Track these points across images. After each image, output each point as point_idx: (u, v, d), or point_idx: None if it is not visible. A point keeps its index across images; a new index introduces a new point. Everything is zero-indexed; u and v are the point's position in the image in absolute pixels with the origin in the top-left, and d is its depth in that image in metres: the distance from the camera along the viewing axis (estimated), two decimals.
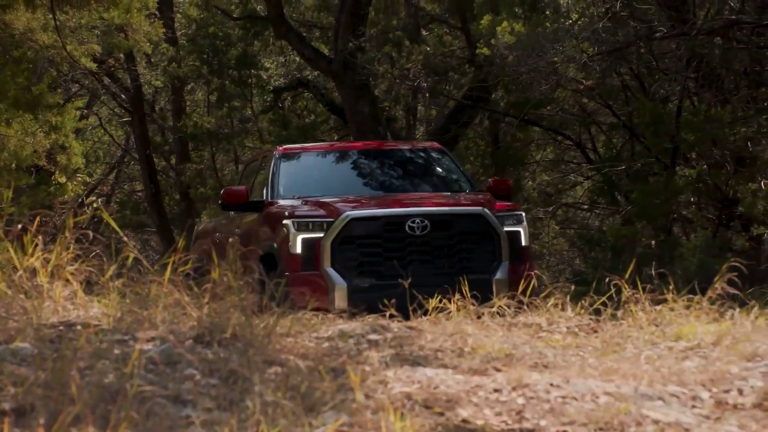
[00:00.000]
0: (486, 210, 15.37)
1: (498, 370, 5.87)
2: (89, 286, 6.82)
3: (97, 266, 6.94)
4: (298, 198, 16.48)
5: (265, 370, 5.14)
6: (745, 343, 6.54)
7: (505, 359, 6.13)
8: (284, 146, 19.07)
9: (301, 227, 15.18)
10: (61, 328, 5.92)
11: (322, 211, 15.46)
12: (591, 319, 7.30)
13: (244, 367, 5.15)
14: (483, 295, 11.34)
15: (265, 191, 17.52)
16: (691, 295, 7.60)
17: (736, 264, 7.91)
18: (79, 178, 25.00)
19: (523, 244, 15.65)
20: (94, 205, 14.85)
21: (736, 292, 7.56)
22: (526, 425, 5.23)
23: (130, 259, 6.79)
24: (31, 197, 20.33)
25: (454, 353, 6.20)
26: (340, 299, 14.69)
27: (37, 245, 6.77)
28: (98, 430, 4.45)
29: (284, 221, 15.38)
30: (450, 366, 5.88)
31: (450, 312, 7.51)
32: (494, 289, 14.34)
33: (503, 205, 16.02)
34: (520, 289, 11.33)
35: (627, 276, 7.85)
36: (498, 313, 7.47)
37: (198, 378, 5.18)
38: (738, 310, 7.35)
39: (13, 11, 19.19)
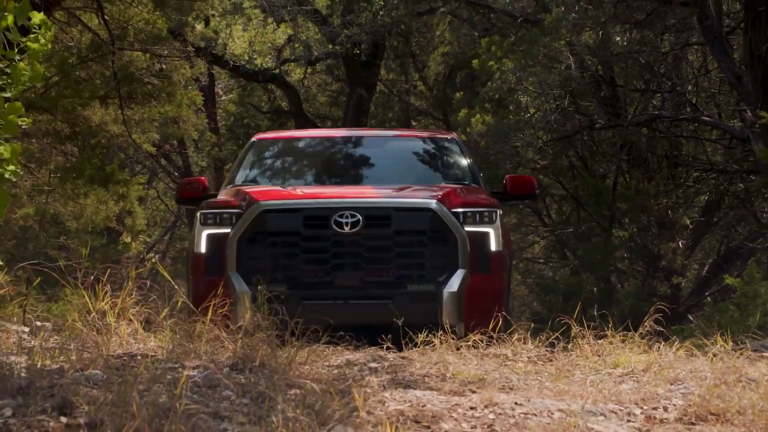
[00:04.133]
0: (439, 203, 10.32)
1: (473, 392, 5.81)
2: (147, 324, 6.79)
3: (154, 309, 6.92)
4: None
5: (287, 392, 5.10)
6: (669, 369, 6.51)
7: (478, 383, 6.07)
8: (263, 134, 14.18)
9: (207, 221, 10.47)
10: (125, 358, 5.88)
11: (233, 201, 10.80)
12: (547, 350, 7.23)
13: (270, 390, 5.12)
14: (428, 312, 9.84)
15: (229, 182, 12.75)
16: (625, 332, 7.57)
17: (661, 306, 7.86)
18: (141, 239, 24.92)
19: (493, 249, 10.38)
20: (152, 260, 14.84)
21: (660, 329, 7.51)
22: None
23: (180, 303, 6.77)
24: (103, 254, 20.23)
25: (438, 378, 6.15)
26: (241, 310, 9.59)
27: (106, 292, 6.74)
28: None
29: (196, 214, 10.82)
30: (435, 388, 5.82)
31: (434, 345, 7.41)
32: (443, 305, 9.94)
33: (469, 200, 10.79)
34: (481, 314, 9.68)
35: (575, 316, 7.79)
36: (473, 345, 7.41)
37: (233, 398, 5.15)
38: (663, 343, 7.30)
39: (91, 108, 19.20)
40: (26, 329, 6.99)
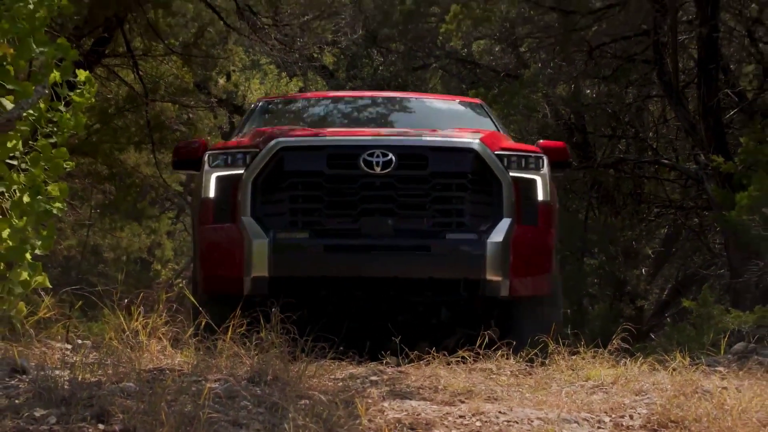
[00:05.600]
0: (482, 144, 8.20)
1: (462, 402, 5.78)
2: (175, 342, 6.76)
3: (181, 328, 6.91)
4: None
5: (297, 402, 5.08)
6: (634, 382, 6.49)
7: (467, 394, 6.03)
8: (268, 96, 11.08)
9: (217, 162, 8.30)
10: (155, 372, 5.86)
11: (246, 140, 8.62)
12: (527, 365, 7.20)
13: (283, 400, 5.10)
14: (470, 265, 7.95)
15: None
16: (596, 349, 7.54)
17: (627, 327, 7.83)
18: (170, 267, 24.88)
19: (540, 198, 8.30)
20: (180, 285, 14.90)
21: (627, 346, 7.49)
22: None
23: (203, 324, 6.76)
24: (136, 280, 20.19)
25: (431, 390, 6.11)
26: (258, 260, 7.84)
27: (139, 313, 6.73)
28: None
29: (203, 157, 8.57)
30: (428, 399, 5.79)
31: (426, 359, 7.39)
32: (486, 257, 7.89)
33: (513, 145, 8.70)
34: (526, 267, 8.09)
35: (551, 335, 7.77)
36: (462, 360, 7.38)
37: (250, 408, 5.12)
38: (629, 359, 7.28)
39: (127, 152, 19.29)
40: (69, 347, 6.97)
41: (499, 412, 5.47)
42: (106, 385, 5.42)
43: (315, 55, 20.54)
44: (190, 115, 19.23)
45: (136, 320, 6.61)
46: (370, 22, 24.00)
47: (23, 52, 6.47)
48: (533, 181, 8.31)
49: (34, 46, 6.45)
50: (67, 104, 7.01)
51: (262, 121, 10.23)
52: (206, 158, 8.42)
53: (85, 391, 5.23)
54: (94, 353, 6.47)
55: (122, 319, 6.67)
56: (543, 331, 7.85)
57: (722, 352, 8.24)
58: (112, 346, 6.46)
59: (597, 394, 6.21)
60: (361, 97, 11.22)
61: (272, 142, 8.17)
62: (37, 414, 4.87)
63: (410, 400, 5.64)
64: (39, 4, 6.44)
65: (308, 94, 12.19)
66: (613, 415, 5.66)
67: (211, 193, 8.27)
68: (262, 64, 21.38)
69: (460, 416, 5.41)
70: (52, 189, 6.87)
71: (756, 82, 18.16)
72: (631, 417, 5.65)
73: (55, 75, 6.74)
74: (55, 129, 6.94)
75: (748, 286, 13.93)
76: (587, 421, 5.48)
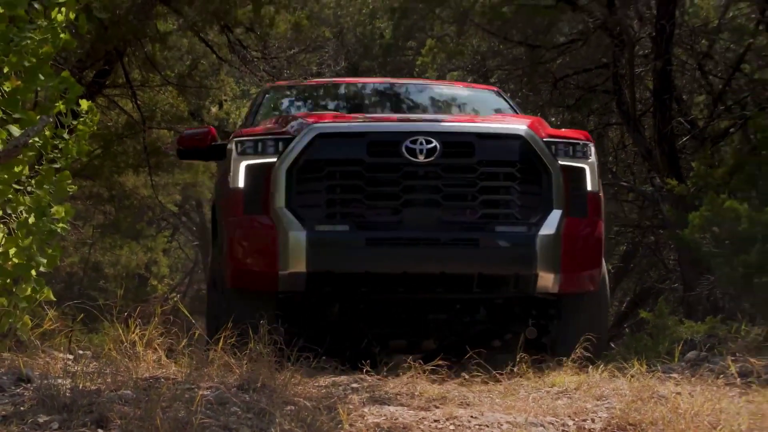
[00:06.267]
0: (529, 131, 7.21)
1: (437, 407, 5.76)
2: (170, 352, 6.74)
3: (175, 339, 6.89)
4: None
5: (284, 408, 5.06)
6: (596, 388, 6.48)
7: (441, 400, 6.01)
8: (276, 82, 10.51)
9: (247, 150, 7.20)
10: (151, 380, 5.84)
11: (277, 127, 7.48)
12: (497, 373, 7.19)
13: (270, 406, 5.08)
14: (520, 259, 7.05)
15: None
16: (561, 357, 7.54)
17: (588, 337, 7.82)
18: (166, 282, 24.87)
19: (590, 188, 7.31)
20: (174, 299, 14.83)
21: (589, 355, 7.49)
22: None
23: (197, 335, 6.74)
24: (134, 294, 20.15)
25: (408, 396, 6.08)
26: (294, 255, 6.88)
27: (137, 326, 6.72)
28: None
29: (228, 145, 7.57)
30: (405, 404, 5.76)
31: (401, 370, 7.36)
32: (538, 251, 6.97)
33: (564, 132, 7.64)
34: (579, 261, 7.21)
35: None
36: (437, 368, 7.34)
37: (239, 413, 5.10)
38: (591, 367, 7.27)
39: (126, 175, 19.29)
40: (71, 357, 6.95)
41: (471, 416, 5.46)
42: (105, 393, 5.41)
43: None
44: None
45: (134, 332, 6.60)
46: (351, 54, 24.01)
47: (30, 84, 6.50)
48: (582, 170, 7.31)
49: (41, 78, 6.47)
50: (70, 131, 7.02)
51: (274, 108, 9.13)
52: (233, 145, 7.29)
53: (86, 398, 5.22)
54: (94, 363, 6.45)
55: (120, 331, 6.66)
56: (593, 330, 7.19)
57: (676, 359, 8.23)
58: (111, 356, 6.45)
59: (561, 399, 6.20)
60: (375, 83, 9.97)
61: (307, 129, 7.10)
62: (40, 420, 4.86)
63: (389, 405, 5.62)
64: (44, 40, 6.47)
65: (319, 81, 10.90)
66: (576, 419, 5.65)
67: (241, 183, 7.16)
68: (252, 94, 21.34)
69: (435, 421, 5.40)
70: (57, 211, 6.87)
71: (706, 111, 18.22)
72: (593, 420, 5.64)
73: (60, 105, 6.76)
74: (59, 155, 6.94)
75: (700, 299, 13.94)
76: (552, 424, 5.47)
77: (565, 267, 7.07)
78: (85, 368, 6.12)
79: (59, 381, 5.71)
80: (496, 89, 9.66)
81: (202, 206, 25.57)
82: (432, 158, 7.02)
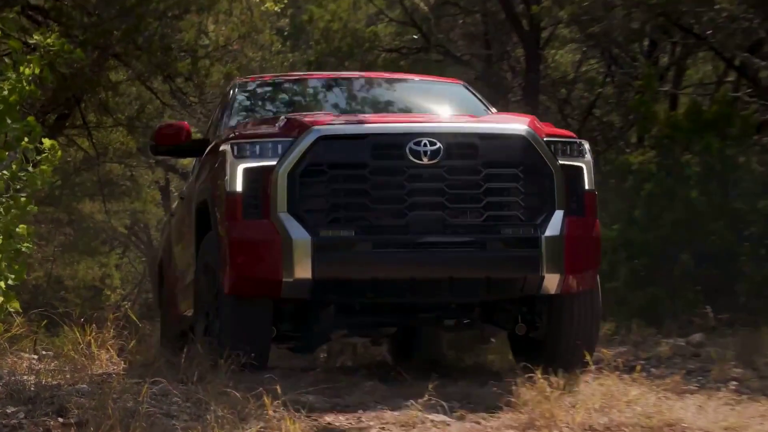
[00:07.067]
0: (532, 131, 6.12)
1: (360, 403, 5.72)
2: (121, 352, 6.66)
3: (125, 341, 6.81)
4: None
5: (218, 398, 5.00)
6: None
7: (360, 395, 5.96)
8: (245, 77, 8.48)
9: (244, 152, 5.98)
10: (104, 376, 5.79)
11: (275, 129, 6.20)
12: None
13: (206, 397, 5.03)
14: (527, 262, 5.98)
15: (216, 129, 7.62)
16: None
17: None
18: (118, 292, 24.55)
19: (586, 187, 6.28)
20: (126, 307, 14.65)
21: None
22: None
23: (143, 337, 6.68)
24: (90, 303, 19.85)
25: (323, 382, 5.95)
26: (299, 261, 5.74)
27: (92, 330, 6.64)
28: (123, 431, 4.33)
29: (221, 147, 6.24)
30: (320, 393, 5.70)
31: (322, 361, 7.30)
32: (544, 252, 5.95)
33: (556, 130, 6.53)
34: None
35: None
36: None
37: (180, 403, 5.05)
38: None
39: (83, 203, 19.10)
40: (35, 357, 6.84)
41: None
42: (65, 387, 5.34)
43: None
44: (133, 173, 19.24)
45: (89, 335, 6.51)
46: None
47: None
48: (580, 169, 6.25)
49: (9, 122, 6.43)
50: (34, 165, 6.94)
51: (251, 106, 7.69)
52: (229, 147, 6.04)
53: (48, 391, 5.15)
54: (55, 362, 6.36)
55: (78, 334, 6.58)
56: (588, 327, 6.43)
57: None
58: (70, 355, 6.36)
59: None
60: (349, 77, 8.39)
61: (309, 131, 5.89)
62: (8, 411, 4.79)
63: (308, 395, 5.56)
64: (12, 90, 6.44)
65: (289, 75, 9.14)
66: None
67: (238, 187, 5.91)
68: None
69: (346, 406, 5.37)
70: (22, 230, 6.77)
71: None
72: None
73: (25, 143, 6.69)
74: (26, 186, 6.86)
75: None
76: None
77: (569, 268, 6.06)
78: (47, 366, 6.05)
79: (25, 377, 5.64)
80: (462, 83, 8.36)
81: (148, 228, 25.27)
82: (436, 160, 5.89)
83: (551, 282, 6.02)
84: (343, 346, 9.62)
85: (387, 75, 8.69)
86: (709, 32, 13.17)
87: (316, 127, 5.93)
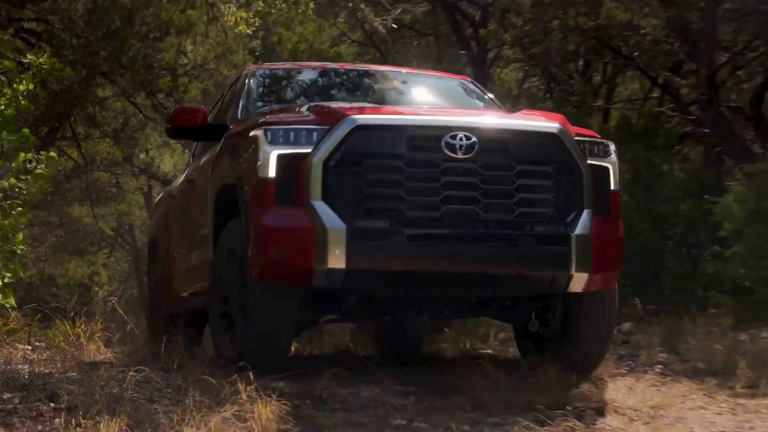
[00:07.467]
0: (564, 129, 5.57)
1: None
2: (108, 343, 6.63)
3: (112, 333, 6.78)
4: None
5: (196, 384, 4.99)
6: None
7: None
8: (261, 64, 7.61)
9: (278, 139, 5.38)
10: (92, 365, 5.76)
11: (311, 116, 5.61)
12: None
13: (185, 383, 5.02)
14: (557, 259, 5.44)
15: (229, 113, 6.94)
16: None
17: None
18: (105, 288, 24.37)
19: (612, 187, 5.75)
20: (112, 302, 14.59)
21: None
22: None
23: (128, 329, 6.64)
24: (80, 299, 19.75)
25: (296, 369, 5.93)
26: (335, 250, 5.16)
27: (81, 323, 6.60)
28: (109, 415, 4.29)
29: (251, 132, 5.60)
30: (292, 379, 5.68)
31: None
32: (573, 251, 5.41)
33: (583, 130, 5.96)
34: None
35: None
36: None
37: (161, 389, 5.04)
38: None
39: (72, 207, 18.97)
40: (29, 348, 6.79)
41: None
42: (56, 375, 5.32)
43: None
44: (119, 181, 19.19)
45: (79, 327, 6.48)
46: None
47: None
48: (606, 169, 5.70)
49: (5, 134, 6.40)
50: (28, 173, 6.91)
51: (263, 94, 6.97)
52: (261, 133, 5.41)
53: (41, 379, 5.14)
54: (48, 352, 6.33)
55: (68, 327, 6.55)
56: (606, 325, 5.95)
57: (491, 339, 8.36)
58: (61, 346, 6.33)
59: None
60: (361, 69, 7.66)
61: (346, 120, 5.31)
62: (5, 397, 4.77)
63: (279, 381, 5.53)
64: (8, 105, 6.42)
65: (301, 64, 8.42)
66: None
67: (271, 173, 5.31)
68: (171, 144, 21.12)
69: (313, 391, 5.35)
70: (19, 234, 6.76)
71: None
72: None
73: (22, 156, 6.67)
74: (23, 193, 6.84)
75: None
76: None
77: (596, 267, 5.52)
78: (40, 356, 6.02)
79: (20, 366, 5.62)
80: (469, 79, 7.77)
81: (133, 229, 25.07)
82: (471, 154, 5.32)
83: (579, 281, 5.49)
84: (311, 335, 9.58)
85: (399, 69, 8.02)
86: (636, 54, 13.37)
87: (352, 116, 5.35)
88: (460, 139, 5.31)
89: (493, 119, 5.69)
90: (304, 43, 16.68)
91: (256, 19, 13.34)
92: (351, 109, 5.55)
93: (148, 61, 12.35)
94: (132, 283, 29.28)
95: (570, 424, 4.70)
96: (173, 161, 20.76)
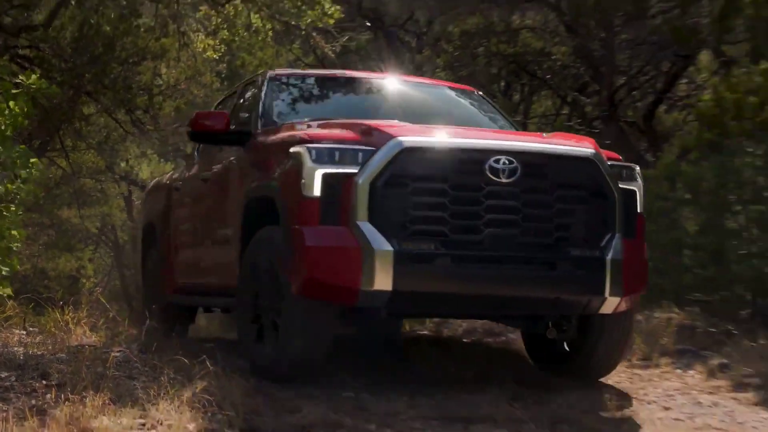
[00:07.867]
0: (598, 154, 4.94)
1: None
2: (93, 329, 6.60)
3: (96, 319, 6.75)
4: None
5: (171, 364, 4.99)
6: None
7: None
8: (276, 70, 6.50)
9: (323, 158, 4.62)
10: (78, 347, 5.73)
11: (353, 135, 4.82)
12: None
13: (162, 363, 5.02)
14: (593, 283, 4.87)
15: (251, 119, 5.95)
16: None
17: None
18: (91, 280, 24.14)
19: (639, 210, 5.12)
20: (97, 292, 14.47)
21: None
22: None
23: (110, 316, 6.61)
24: (69, 290, 19.50)
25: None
26: (382, 272, 4.46)
27: (69, 311, 6.57)
28: (94, 391, 4.28)
29: (293, 149, 4.79)
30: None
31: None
32: (608, 275, 4.82)
33: (611, 154, 5.21)
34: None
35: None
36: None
37: (140, 368, 5.03)
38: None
39: (61, 210, 18.82)
40: (24, 332, 6.73)
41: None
42: (47, 356, 5.28)
43: (181, 148, 20.25)
44: (102, 186, 19.14)
45: (67, 315, 6.45)
46: None
47: None
48: (634, 193, 5.13)
49: (3, 148, 6.38)
50: (24, 181, 6.87)
51: (284, 104, 6.09)
52: (305, 151, 4.72)
53: (34, 360, 5.11)
54: (40, 336, 6.28)
55: (58, 314, 6.51)
56: (624, 343, 5.41)
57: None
58: (52, 331, 6.29)
59: None
60: (377, 79, 6.83)
61: (393, 141, 4.67)
62: (2, 375, 4.76)
63: (239, 359, 5.53)
64: (8, 125, 6.43)
65: (317, 73, 7.28)
66: None
67: (316, 192, 4.64)
68: (148, 154, 20.94)
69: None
70: (18, 234, 6.73)
71: None
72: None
73: (17, 163, 6.64)
74: (17, 197, 6.80)
75: None
76: None
77: (627, 290, 4.96)
78: (33, 340, 5.97)
79: (15, 349, 5.57)
80: (476, 90, 6.92)
81: (115, 229, 24.81)
82: (513, 179, 4.74)
83: (611, 304, 4.93)
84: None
85: (415, 79, 7.23)
86: (548, 76, 13.59)
87: (400, 138, 4.70)
88: (503, 164, 4.73)
89: (533, 144, 5.03)
90: (264, 66, 16.67)
91: (222, 45, 13.42)
92: (394, 128, 4.87)
93: (127, 82, 12.33)
94: (114, 275, 28.98)
95: None
96: (150, 169, 20.74)
